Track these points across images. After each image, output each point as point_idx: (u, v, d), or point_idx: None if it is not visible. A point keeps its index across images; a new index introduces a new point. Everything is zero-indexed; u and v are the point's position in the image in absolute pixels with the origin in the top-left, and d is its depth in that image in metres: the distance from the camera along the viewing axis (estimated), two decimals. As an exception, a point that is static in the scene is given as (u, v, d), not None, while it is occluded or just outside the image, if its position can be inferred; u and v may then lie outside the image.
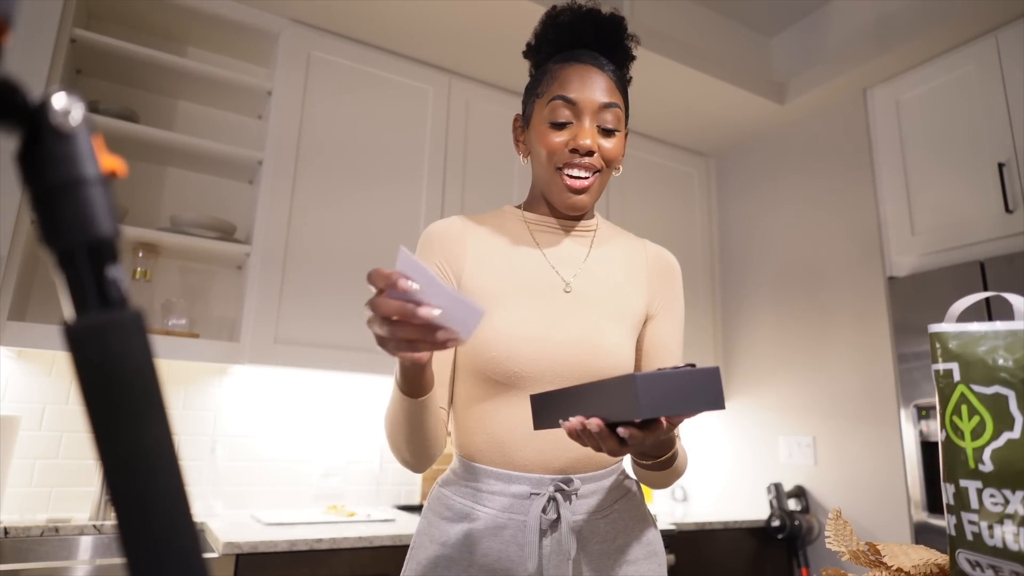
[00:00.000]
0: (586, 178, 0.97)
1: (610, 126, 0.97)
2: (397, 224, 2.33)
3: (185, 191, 2.27)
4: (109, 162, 0.31)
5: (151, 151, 2.13)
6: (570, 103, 0.96)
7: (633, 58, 1.05)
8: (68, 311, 0.30)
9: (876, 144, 2.57)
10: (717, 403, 0.66)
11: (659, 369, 0.67)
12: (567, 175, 0.97)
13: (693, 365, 0.68)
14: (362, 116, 2.34)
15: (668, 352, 1.04)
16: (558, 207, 1.01)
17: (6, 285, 1.69)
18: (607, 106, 0.96)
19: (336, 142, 2.27)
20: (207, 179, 2.31)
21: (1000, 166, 2.12)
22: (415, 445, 0.89)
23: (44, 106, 0.30)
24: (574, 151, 0.96)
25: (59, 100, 0.31)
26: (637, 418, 0.66)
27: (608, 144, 0.97)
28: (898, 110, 2.50)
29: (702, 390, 0.66)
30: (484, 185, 2.52)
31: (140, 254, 2.04)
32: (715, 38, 2.90)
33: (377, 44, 2.40)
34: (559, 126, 0.97)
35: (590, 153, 0.96)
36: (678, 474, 0.97)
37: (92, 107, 1.99)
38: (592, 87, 0.96)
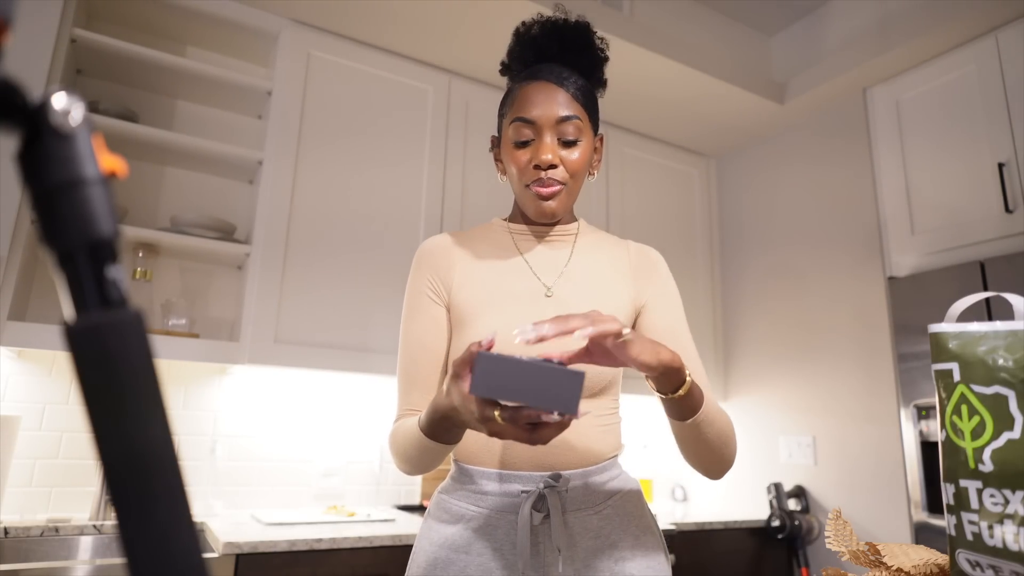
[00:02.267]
0: (553, 186, 1.00)
1: (570, 137, 1.00)
2: (397, 224, 2.33)
3: (185, 191, 2.27)
4: (109, 162, 0.31)
5: (151, 151, 2.13)
6: (528, 122, 1.00)
7: (605, 60, 1.08)
8: (68, 311, 0.30)
9: (876, 144, 2.57)
10: (569, 407, 0.64)
11: (533, 358, 0.67)
12: (535, 189, 1.01)
13: (563, 364, 0.67)
14: (362, 116, 2.34)
15: (673, 335, 1.05)
16: (533, 218, 1.05)
17: (6, 285, 1.69)
18: (565, 119, 0.99)
19: (336, 142, 2.27)
20: (207, 179, 2.31)
21: (1000, 166, 2.12)
22: (426, 469, 0.97)
23: (44, 106, 0.30)
24: (537, 167, 0.99)
25: (59, 100, 0.31)
26: (470, 392, 0.67)
27: (571, 156, 1.00)
28: (898, 110, 2.50)
29: (557, 389, 0.65)
30: (484, 185, 2.52)
31: (140, 254, 2.04)
32: (715, 38, 2.90)
33: (377, 44, 2.40)
34: (522, 145, 1.01)
35: (553, 167, 0.99)
36: (722, 445, 0.90)
37: (92, 107, 1.99)
38: (549, 103, 0.99)
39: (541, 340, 0.71)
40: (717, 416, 0.89)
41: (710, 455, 0.91)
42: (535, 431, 0.72)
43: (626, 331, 0.73)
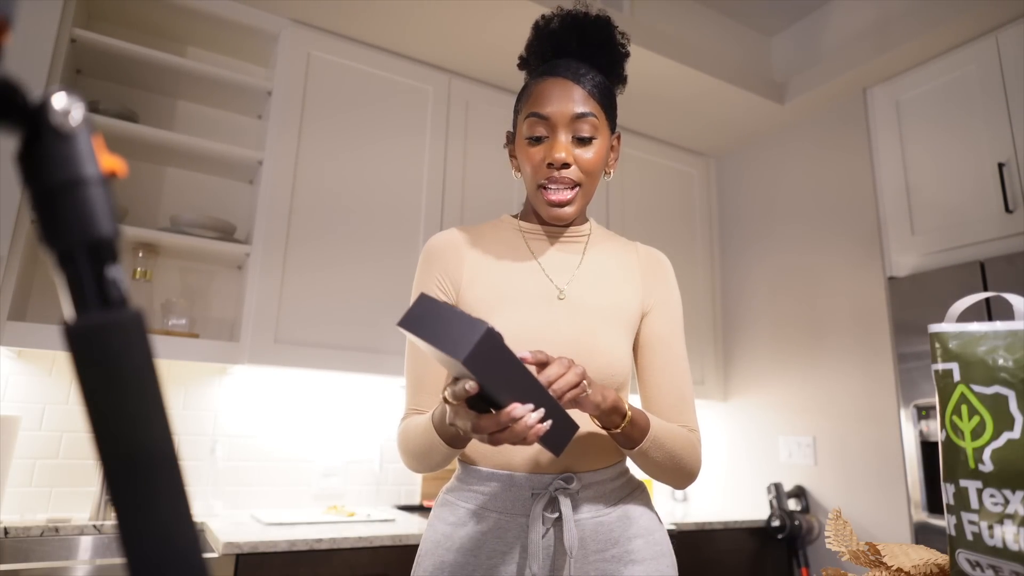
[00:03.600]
0: (565, 191, 0.99)
1: (585, 135, 0.98)
2: (397, 225, 2.33)
3: (185, 191, 2.26)
4: (109, 162, 0.31)
5: (151, 151, 2.13)
6: (543, 118, 0.98)
7: (626, 55, 1.05)
8: (68, 311, 0.30)
9: (876, 144, 2.57)
10: (458, 353, 0.67)
11: (459, 310, 0.71)
12: (548, 189, 0.99)
13: (489, 327, 0.70)
14: (362, 115, 2.34)
15: (666, 345, 1.06)
16: (546, 220, 1.04)
17: (6, 285, 1.69)
18: (580, 116, 0.97)
19: (336, 142, 2.27)
20: (207, 179, 2.31)
21: (1000, 166, 2.12)
22: (434, 468, 0.97)
23: (44, 106, 0.30)
24: (550, 165, 0.97)
25: (59, 100, 0.31)
26: (397, 323, 0.72)
27: (586, 154, 0.98)
28: (898, 110, 2.50)
29: (457, 334, 0.68)
30: (485, 186, 2.52)
31: (140, 254, 2.04)
32: (715, 38, 2.90)
33: (377, 44, 2.40)
34: (536, 141, 0.99)
35: (566, 166, 0.97)
36: (675, 466, 0.96)
37: (92, 107, 1.99)
38: (564, 100, 0.97)
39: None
40: (668, 441, 0.94)
41: (661, 474, 0.97)
42: (479, 419, 0.74)
43: (588, 390, 0.82)
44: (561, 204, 0.99)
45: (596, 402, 0.84)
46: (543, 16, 1.05)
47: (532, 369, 0.86)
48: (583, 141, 0.98)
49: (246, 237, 2.23)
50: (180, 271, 2.21)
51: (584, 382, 0.81)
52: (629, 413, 0.88)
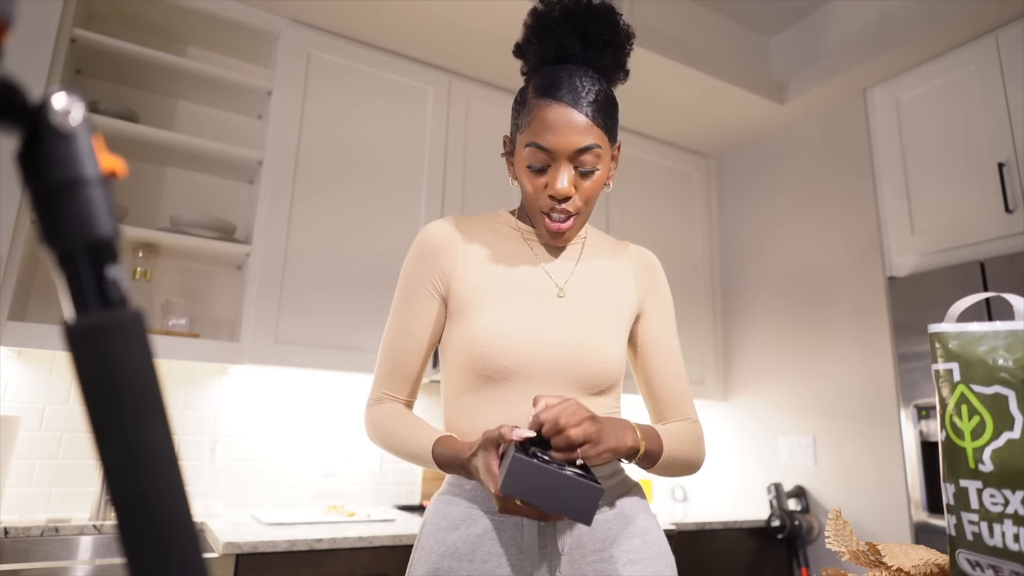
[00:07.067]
0: (567, 219, 1.00)
1: (587, 168, 0.97)
2: (397, 224, 2.33)
3: (185, 191, 2.26)
4: (109, 162, 0.31)
5: (151, 151, 2.13)
6: (545, 150, 0.95)
7: (629, 51, 1.02)
8: (68, 311, 0.30)
9: (876, 144, 2.57)
10: (585, 519, 0.70)
11: (556, 463, 0.73)
12: (548, 217, 1.00)
13: (587, 470, 0.74)
14: (362, 116, 2.34)
15: (662, 343, 1.09)
16: (544, 239, 1.05)
17: (6, 285, 1.69)
18: (584, 150, 0.95)
19: (336, 142, 2.27)
20: (207, 179, 2.31)
21: (1000, 166, 2.12)
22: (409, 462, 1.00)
23: (44, 106, 0.30)
24: (552, 196, 0.97)
25: (59, 100, 0.31)
26: (496, 490, 0.74)
27: (588, 183, 0.98)
28: (898, 110, 2.50)
29: (577, 501, 0.71)
30: (484, 185, 2.52)
31: (140, 254, 2.04)
32: (715, 38, 2.90)
33: (377, 44, 2.40)
34: (538, 171, 0.98)
35: (567, 198, 0.98)
36: (684, 466, 1.02)
37: (92, 107, 1.99)
38: (567, 132, 0.94)
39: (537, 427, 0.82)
40: (679, 450, 0.99)
41: (675, 476, 1.04)
42: (503, 500, 0.80)
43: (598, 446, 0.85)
44: (562, 232, 1.01)
45: (612, 447, 0.87)
46: (542, 2, 0.99)
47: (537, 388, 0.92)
48: (585, 173, 0.97)
49: (246, 237, 2.23)
50: (180, 271, 2.21)
51: (591, 430, 0.84)
52: (642, 447, 0.92)
